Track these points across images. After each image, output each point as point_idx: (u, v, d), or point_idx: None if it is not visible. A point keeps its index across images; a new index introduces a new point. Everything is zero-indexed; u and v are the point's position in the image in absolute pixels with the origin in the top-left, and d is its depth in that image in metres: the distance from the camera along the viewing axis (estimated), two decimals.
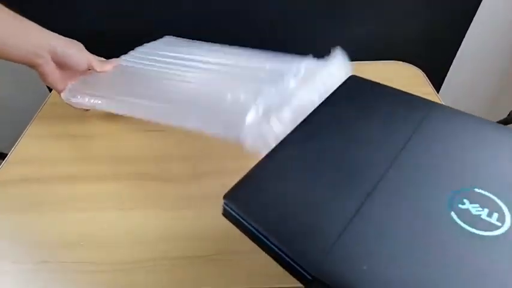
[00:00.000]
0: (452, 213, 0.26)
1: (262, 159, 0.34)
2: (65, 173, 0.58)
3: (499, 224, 0.25)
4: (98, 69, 0.60)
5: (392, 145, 0.32)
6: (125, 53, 0.68)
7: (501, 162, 0.29)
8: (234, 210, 0.30)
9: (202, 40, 0.70)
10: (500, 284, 0.22)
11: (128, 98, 0.56)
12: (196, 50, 0.64)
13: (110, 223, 0.51)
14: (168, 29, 0.76)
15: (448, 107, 0.37)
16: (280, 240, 0.27)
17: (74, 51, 0.57)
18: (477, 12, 0.76)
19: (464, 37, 0.80)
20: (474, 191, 0.27)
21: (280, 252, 0.27)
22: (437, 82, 0.89)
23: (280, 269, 0.44)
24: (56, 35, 0.55)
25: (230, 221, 0.32)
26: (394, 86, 0.73)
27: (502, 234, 0.24)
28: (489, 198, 0.26)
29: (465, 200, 0.26)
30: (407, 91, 0.72)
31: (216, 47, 0.66)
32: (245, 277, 0.44)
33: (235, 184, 0.32)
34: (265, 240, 0.28)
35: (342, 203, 0.28)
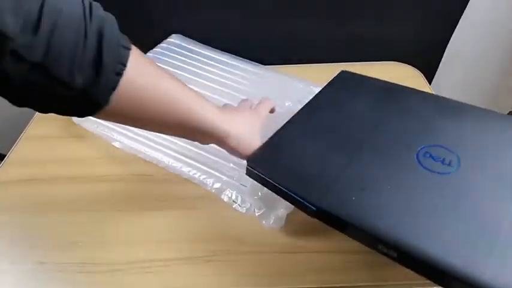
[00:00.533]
0: (417, 162, 0.37)
1: (274, 134, 0.45)
2: (63, 174, 0.58)
3: (451, 167, 0.36)
4: None
5: (374, 117, 0.44)
6: None
7: (458, 126, 0.41)
8: (256, 170, 0.40)
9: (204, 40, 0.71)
10: (451, 205, 0.33)
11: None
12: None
13: (108, 224, 0.51)
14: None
15: (424, 91, 0.48)
16: (293, 186, 0.37)
17: (248, 144, 0.45)
18: (474, 12, 0.76)
19: (456, 37, 0.80)
20: (437, 147, 0.38)
21: (294, 195, 0.37)
22: (435, 82, 0.89)
23: (275, 270, 0.44)
24: (235, 115, 0.46)
25: (253, 178, 0.41)
26: None
27: (451, 174, 0.35)
28: (446, 151, 0.37)
29: (429, 153, 0.38)
30: None
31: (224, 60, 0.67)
32: (241, 278, 0.44)
33: (255, 151, 0.42)
34: (282, 188, 0.38)
35: (337, 157, 0.39)
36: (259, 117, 0.47)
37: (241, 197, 0.50)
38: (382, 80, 0.50)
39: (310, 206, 0.36)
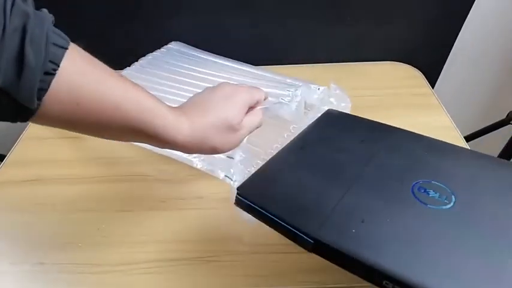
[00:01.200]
0: (413, 196, 0.37)
1: (264, 164, 0.43)
2: (63, 174, 0.58)
3: (446, 202, 0.36)
4: None
5: (364, 153, 0.44)
6: (128, 56, 0.68)
7: (450, 164, 0.42)
8: (247, 199, 0.38)
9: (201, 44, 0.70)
10: (446, 239, 0.33)
11: None
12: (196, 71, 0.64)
13: (108, 224, 0.51)
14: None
15: (409, 131, 0.48)
16: (288, 216, 0.36)
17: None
18: (472, 11, 0.76)
19: (458, 37, 0.80)
20: (431, 182, 0.39)
21: (289, 226, 0.35)
22: (436, 83, 0.89)
23: (276, 270, 0.44)
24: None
25: (243, 208, 0.39)
26: (392, 87, 0.74)
27: (448, 208, 0.36)
28: (440, 186, 0.38)
29: (423, 188, 0.38)
30: (406, 92, 0.73)
31: (219, 63, 0.67)
32: (241, 278, 0.44)
33: (245, 181, 0.40)
34: (276, 219, 0.36)
35: (332, 189, 0.38)
36: (236, 117, 0.40)
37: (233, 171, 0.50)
38: (368, 119, 0.51)
39: (306, 238, 0.34)
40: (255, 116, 0.43)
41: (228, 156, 0.51)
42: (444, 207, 0.36)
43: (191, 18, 0.76)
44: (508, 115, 0.87)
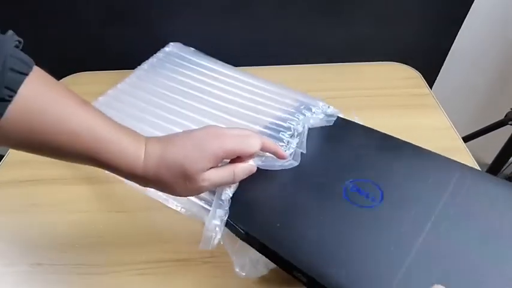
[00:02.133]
0: (344, 194, 0.38)
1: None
2: (60, 175, 0.58)
3: (373, 201, 0.37)
4: None
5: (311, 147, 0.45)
6: (127, 59, 0.67)
7: (383, 163, 0.43)
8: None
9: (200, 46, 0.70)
10: (372, 234, 0.35)
11: None
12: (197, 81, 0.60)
13: (105, 225, 0.51)
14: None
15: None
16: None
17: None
18: (470, 13, 0.76)
19: (456, 38, 0.80)
20: (366, 181, 0.39)
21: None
22: (434, 84, 0.89)
23: (271, 274, 0.44)
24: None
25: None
26: (390, 87, 0.74)
27: (373, 208, 0.37)
28: (372, 186, 0.39)
29: (356, 186, 0.39)
30: (404, 92, 0.73)
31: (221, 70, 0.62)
32: (238, 280, 0.44)
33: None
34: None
35: (269, 189, 0.41)
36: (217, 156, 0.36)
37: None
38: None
39: (240, 229, 0.37)
40: (225, 172, 0.37)
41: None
42: (369, 206, 0.37)
43: (189, 19, 0.76)
44: (506, 115, 0.87)
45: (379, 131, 0.47)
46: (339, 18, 0.76)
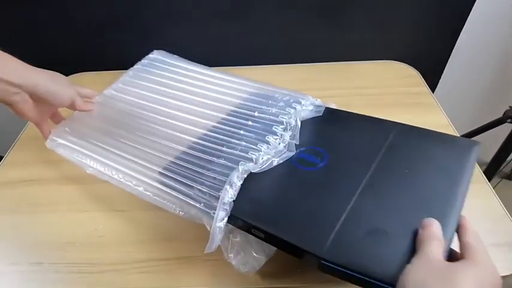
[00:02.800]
0: (296, 162, 0.44)
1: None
2: (61, 175, 0.58)
3: (320, 163, 0.43)
4: (79, 109, 0.53)
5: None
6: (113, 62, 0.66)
7: (332, 133, 0.48)
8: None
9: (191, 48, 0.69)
10: (315, 191, 0.41)
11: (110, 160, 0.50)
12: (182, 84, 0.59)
13: (105, 224, 0.51)
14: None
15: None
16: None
17: (58, 88, 0.49)
18: (472, 12, 0.76)
19: (458, 37, 0.81)
20: (310, 148, 0.46)
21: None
22: (433, 82, 0.89)
23: (273, 268, 0.44)
24: (37, 69, 0.47)
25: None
26: (389, 86, 0.74)
27: (321, 167, 0.43)
28: (317, 151, 0.45)
29: (305, 153, 0.45)
30: (402, 91, 0.73)
31: (208, 74, 0.61)
32: (239, 277, 0.44)
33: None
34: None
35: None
36: None
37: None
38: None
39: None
40: None
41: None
42: (313, 168, 0.43)
43: (185, 26, 0.76)
44: (504, 113, 0.88)
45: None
46: (339, 17, 0.76)
